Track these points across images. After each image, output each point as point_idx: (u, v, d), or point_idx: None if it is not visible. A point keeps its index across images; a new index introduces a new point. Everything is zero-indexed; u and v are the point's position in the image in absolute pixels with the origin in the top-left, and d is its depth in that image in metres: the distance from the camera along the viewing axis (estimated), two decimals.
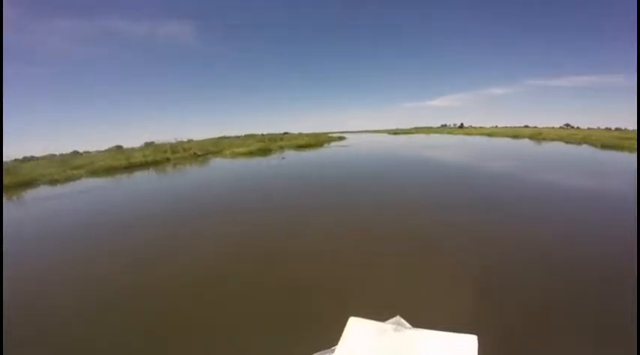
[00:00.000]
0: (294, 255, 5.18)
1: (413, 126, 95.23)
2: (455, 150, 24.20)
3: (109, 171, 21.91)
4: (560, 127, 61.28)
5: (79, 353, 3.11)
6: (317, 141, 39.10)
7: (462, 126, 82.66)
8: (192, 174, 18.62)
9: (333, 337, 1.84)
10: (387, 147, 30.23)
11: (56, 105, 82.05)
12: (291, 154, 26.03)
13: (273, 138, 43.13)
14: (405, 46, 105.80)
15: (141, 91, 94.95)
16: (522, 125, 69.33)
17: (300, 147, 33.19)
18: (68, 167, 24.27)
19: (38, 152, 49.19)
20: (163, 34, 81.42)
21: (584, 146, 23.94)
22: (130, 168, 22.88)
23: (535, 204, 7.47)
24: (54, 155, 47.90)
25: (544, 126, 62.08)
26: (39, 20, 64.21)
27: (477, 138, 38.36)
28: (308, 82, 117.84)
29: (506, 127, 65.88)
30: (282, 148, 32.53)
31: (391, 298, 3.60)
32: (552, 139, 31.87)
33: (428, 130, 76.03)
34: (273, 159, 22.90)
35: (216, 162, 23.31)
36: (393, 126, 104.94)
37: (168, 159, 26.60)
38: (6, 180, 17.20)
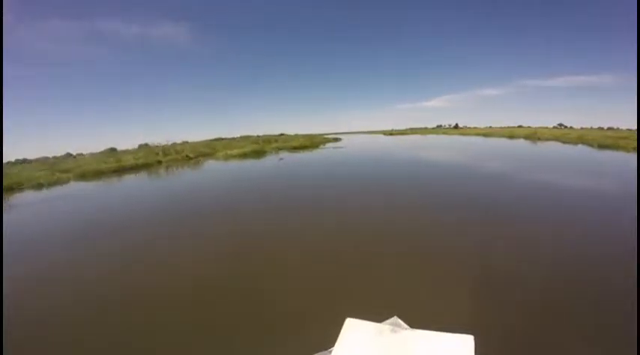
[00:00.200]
0: (282, 260, 4.99)
1: (408, 127, 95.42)
2: (453, 151, 24.00)
3: (97, 174, 21.24)
4: (554, 127, 61.77)
5: None
6: (312, 142, 38.60)
7: (456, 126, 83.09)
8: (177, 178, 18.08)
9: (331, 338, 1.81)
10: (382, 149, 29.93)
11: (51, 107, 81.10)
12: (284, 156, 25.56)
13: (267, 139, 42.60)
14: (401, 48, 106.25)
15: (137, 93, 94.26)
16: (516, 125, 69.84)
17: (295, 148, 32.70)
18: (57, 170, 23.65)
19: (33, 154, 48.49)
20: (158, 35, 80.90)
21: (581, 146, 23.86)
22: (119, 171, 22.24)
23: (539, 205, 7.28)
24: (47, 158, 47.27)
25: (538, 126, 62.60)
26: (31, 21, 63.00)
27: (474, 139, 38.27)
28: (304, 84, 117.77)
29: (501, 127, 66.19)
30: (277, 150, 32.05)
31: (389, 298, 3.56)
32: (548, 139, 31.82)
33: (423, 131, 76.08)
34: (267, 161, 22.52)
35: (207, 165, 22.78)
36: (388, 127, 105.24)
37: (159, 162, 25.99)
38: None
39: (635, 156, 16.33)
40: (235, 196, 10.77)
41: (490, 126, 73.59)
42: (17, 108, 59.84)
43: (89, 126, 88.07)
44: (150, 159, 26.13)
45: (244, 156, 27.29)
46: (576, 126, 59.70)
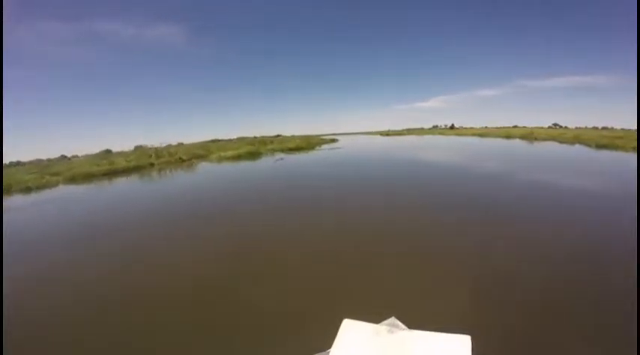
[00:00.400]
0: (270, 260, 4.88)
1: (405, 128, 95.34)
2: (451, 151, 23.82)
3: (87, 177, 20.79)
4: (549, 127, 62.07)
5: None
6: (308, 143, 38.25)
7: (452, 127, 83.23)
8: (166, 181, 17.68)
9: (330, 339, 1.80)
10: (378, 150, 29.71)
11: (48, 108, 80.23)
12: (281, 157, 25.23)
13: (263, 141, 42.26)
14: (399, 49, 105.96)
15: (136, 94, 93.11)
16: (512, 125, 70.13)
17: (291, 150, 32.36)
18: (48, 173, 23.17)
19: (31, 156, 48.03)
20: (157, 36, 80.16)
21: (579, 146, 23.73)
22: (110, 174, 21.79)
23: (539, 205, 7.16)
24: (41, 160, 46.75)
25: (533, 126, 62.83)
26: (27, 23, 62.18)
27: (471, 139, 38.13)
28: (303, 84, 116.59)
29: (497, 128, 66.40)
30: (272, 151, 31.72)
31: (387, 299, 3.53)
32: (544, 139, 31.74)
33: (420, 131, 76.01)
34: (262, 162, 22.17)
35: (200, 168, 22.35)
36: (385, 128, 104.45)
37: (152, 164, 25.55)
38: None
39: (634, 155, 16.23)
40: (227, 198, 10.46)
41: (486, 127, 73.89)
42: (15, 111, 59.08)
43: (88, 128, 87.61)
44: (142, 162, 25.69)
45: (238, 158, 26.90)
46: (571, 126, 60.07)
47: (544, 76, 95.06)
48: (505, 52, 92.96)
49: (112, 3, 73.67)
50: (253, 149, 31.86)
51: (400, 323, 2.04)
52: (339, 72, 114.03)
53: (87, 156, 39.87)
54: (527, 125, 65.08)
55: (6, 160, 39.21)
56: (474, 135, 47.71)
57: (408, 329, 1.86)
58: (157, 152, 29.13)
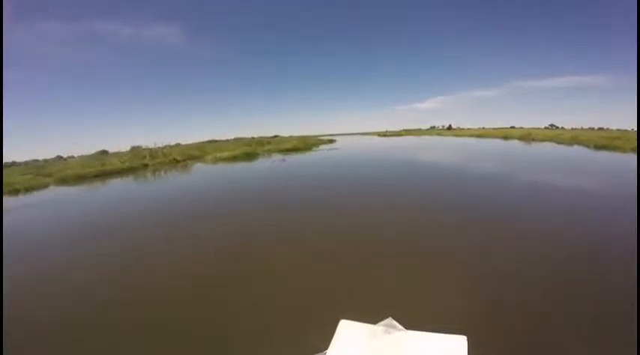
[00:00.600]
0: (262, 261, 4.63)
1: (402, 128, 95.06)
2: (452, 152, 23.58)
3: (78, 179, 20.32)
4: (545, 127, 62.21)
5: None
6: (305, 144, 37.87)
7: (450, 127, 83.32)
8: (158, 183, 17.29)
9: (329, 339, 1.82)
10: (375, 150, 29.41)
11: (46, 109, 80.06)
12: (278, 158, 24.87)
13: (260, 141, 41.84)
14: (395, 50, 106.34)
15: (135, 94, 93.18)
16: (509, 126, 70.24)
17: (287, 150, 31.98)
18: (41, 174, 22.68)
19: (29, 157, 47.57)
20: (156, 37, 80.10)
21: (578, 147, 23.54)
22: (102, 175, 21.33)
23: (540, 206, 7.10)
24: (37, 160, 46.18)
25: (530, 126, 62.95)
26: (24, 23, 61.41)
27: (469, 140, 37.98)
28: (301, 85, 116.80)
29: (494, 128, 66.42)
30: (269, 152, 31.36)
31: (385, 299, 3.51)
32: (542, 140, 31.59)
33: (417, 132, 75.87)
34: (259, 163, 21.81)
35: (194, 169, 21.93)
36: (383, 128, 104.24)
37: (146, 165, 25.10)
38: None
39: (633, 156, 16.12)
40: (218, 200, 10.11)
41: (483, 127, 73.92)
42: (15, 111, 58.49)
43: (88, 128, 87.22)
44: (135, 163, 25.22)
45: (234, 159, 26.48)
46: (567, 126, 60.26)
47: (541, 77, 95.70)
48: (502, 52, 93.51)
49: (112, 3, 73.35)
50: (249, 150, 31.49)
51: (397, 324, 2.02)
52: (337, 72, 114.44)
53: (82, 157, 39.26)
54: (523, 126, 65.29)
55: (5, 160, 38.67)
56: (471, 135, 47.60)
57: (405, 330, 1.88)
58: (151, 153, 28.66)
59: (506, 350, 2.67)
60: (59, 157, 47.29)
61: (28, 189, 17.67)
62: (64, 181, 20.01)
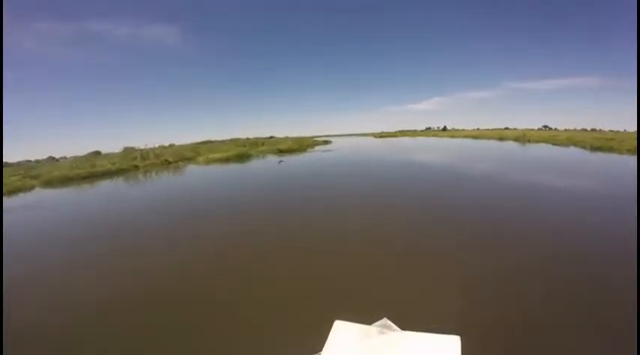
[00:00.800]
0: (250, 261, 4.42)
1: (398, 129, 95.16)
2: (450, 153, 23.38)
3: (65, 181, 19.67)
4: (539, 128, 62.70)
5: None
6: (300, 145, 37.43)
7: (445, 128, 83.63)
8: (146, 185, 16.76)
9: (321, 341, 1.81)
10: (370, 152, 29.10)
11: (45, 108, 79.00)
12: (276, 160, 24.43)
13: (254, 142, 41.34)
14: (392, 51, 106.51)
15: (131, 94, 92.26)
16: (503, 127, 70.67)
17: (282, 152, 31.53)
18: (29, 176, 21.95)
19: (22, 158, 46.48)
20: (155, 37, 79.51)
21: (574, 148, 23.54)
22: (91, 177, 20.68)
23: (540, 206, 7.13)
24: (30, 161, 45.20)
25: (523, 127, 63.40)
26: (20, 24, 60.17)
27: (465, 141, 38.02)
28: (297, 87, 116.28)
29: (489, 129, 66.76)
30: (263, 153, 30.89)
31: (383, 299, 3.47)
32: (537, 141, 31.62)
33: (413, 133, 75.93)
34: (253, 165, 21.34)
35: (185, 171, 21.36)
36: (379, 130, 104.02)
37: (136, 167, 24.47)
38: None
39: (630, 157, 16.09)
40: (210, 203, 9.67)
41: (478, 128, 74.29)
42: (15, 110, 57.30)
43: (87, 128, 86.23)
44: (126, 164, 24.57)
45: (227, 160, 25.94)
46: (560, 127, 60.84)
47: (535, 78, 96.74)
48: (497, 54, 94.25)
49: (111, 4, 72.65)
50: (243, 151, 30.98)
51: (392, 324, 2.00)
52: (334, 74, 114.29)
53: (74, 158, 38.42)
54: (517, 127, 65.80)
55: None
56: (466, 137, 47.67)
57: (400, 330, 1.88)
58: (143, 154, 28.00)
59: (507, 350, 2.65)
60: (51, 158, 46.36)
61: (12, 192, 16.97)
62: (49, 184, 19.32)
